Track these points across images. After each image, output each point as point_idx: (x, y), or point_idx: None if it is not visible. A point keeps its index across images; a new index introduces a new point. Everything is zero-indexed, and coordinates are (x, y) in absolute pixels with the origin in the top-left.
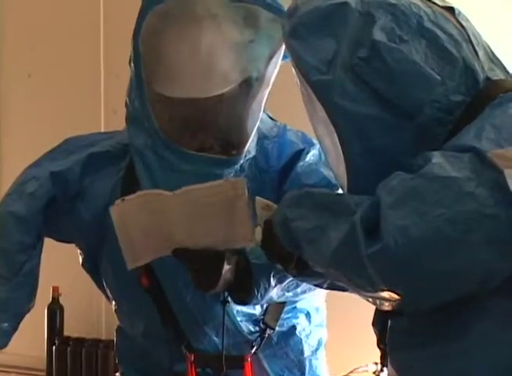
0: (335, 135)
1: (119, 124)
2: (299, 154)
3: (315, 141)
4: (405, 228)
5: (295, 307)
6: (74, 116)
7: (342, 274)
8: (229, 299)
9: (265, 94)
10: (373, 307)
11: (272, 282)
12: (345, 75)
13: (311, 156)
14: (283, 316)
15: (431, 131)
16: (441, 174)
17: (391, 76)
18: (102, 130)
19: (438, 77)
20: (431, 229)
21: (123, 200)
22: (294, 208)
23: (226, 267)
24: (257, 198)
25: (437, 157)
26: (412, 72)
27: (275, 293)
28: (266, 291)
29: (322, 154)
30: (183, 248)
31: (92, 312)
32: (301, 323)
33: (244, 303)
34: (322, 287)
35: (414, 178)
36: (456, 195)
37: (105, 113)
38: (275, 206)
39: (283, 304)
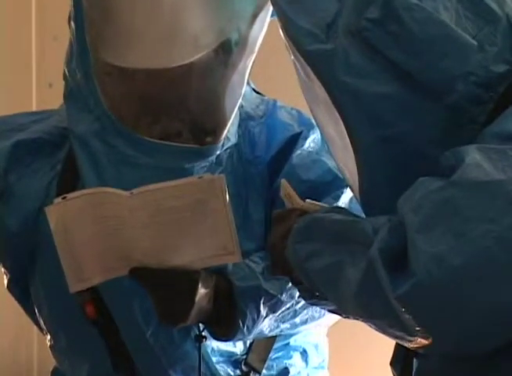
0: (340, 121)
1: (55, 100)
2: (295, 140)
3: (315, 122)
4: (440, 256)
5: (288, 344)
6: None
7: (371, 323)
8: (205, 334)
9: (248, 63)
10: (387, 342)
11: (263, 311)
12: (350, 43)
13: (311, 142)
14: (272, 355)
15: (466, 113)
16: (481, 178)
17: (410, 42)
18: (34, 108)
19: (474, 42)
20: (476, 253)
21: (64, 198)
22: (303, 244)
23: (202, 292)
24: (283, 181)
25: (472, 154)
26: (440, 36)
27: (266, 325)
28: (255, 322)
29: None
30: (143, 267)
31: (20, 349)
32: (295, 364)
33: (226, 339)
34: (340, 315)
35: (445, 187)
36: (504, 204)
37: (37, 86)
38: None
39: (272, 339)
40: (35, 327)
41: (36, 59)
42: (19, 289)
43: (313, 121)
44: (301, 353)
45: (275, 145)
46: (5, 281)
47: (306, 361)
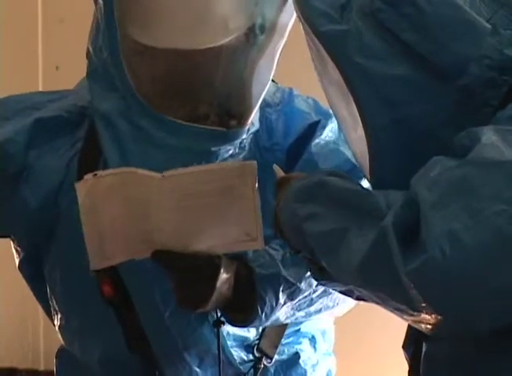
0: (352, 102)
1: (61, 82)
2: (313, 129)
3: (331, 111)
4: (454, 233)
5: (298, 330)
6: (5, 72)
7: (373, 294)
8: (223, 319)
9: (277, 48)
10: (395, 326)
11: (281, 298)
12: (364, 24)
13: (329, 131)
14: (283, 341)
15: (479, 96)
16: (497, 157)
17: (424, 25)
18: (40, 90)
19: (488, 25)
20: (489, 232)
21: (95, 175)
22: (305, 203)
23: (223, 278)
24: (276, 166)
25: (488, 135)
26: (454, 19)
27: (283, 312)
28: (273, 309)
29: None
30: (166, 251)
31: (27, 334)
32: (305, 350)
33: (243, 325)
34: (351, 297)
35: (461, 165)
36: None
37: (43, 69)
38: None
39: (284, 326)
40: (41, 313)
41: (42, 41)
42: (32, 269)
43: (329, 110)
44: (309, 339)
45: (294, 133)
46: (17, 261)
47: (314, 347)
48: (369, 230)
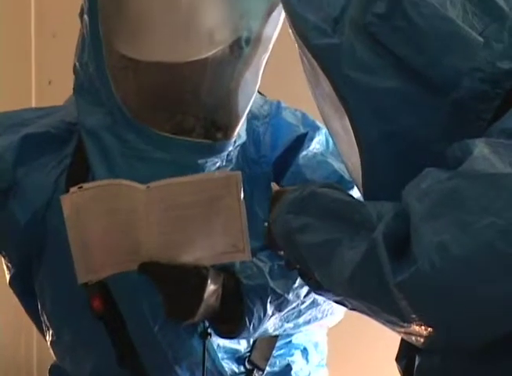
0: (345, 115)
1: (54, 97)
2: (301, 141)
3: (319, 124)
4: (443, 245)
5: (290, 341)
6: None
7: (364, 306)
8: (210, 331)
9: (262, 61)
10: (389, 338)
11: (269, 310)
12: (357, 38)
13: (317, 143)
14: (274, 352)
15: (472, 109)
16: (488, 170)
17: (417, 38)
18: (33, 105)
19: (481, 39)
20: (478, 245)
21: (80, 188)
22: (298, 215)
23: (210, 289)
24: (273, 184)
25: (480, 147)
26: (446, 32)
27: (271, 324)
28: (261, 321)
29: (330, 141)
30: (153, 263)
31: (20, 349)
32: (297, 361)
33: (231, 337)
34: (347, 307)
35: (452, 177)
36: (510, 198)
37: (36, 83)
38: None
39: (274, 338)
40: (34, 326)
41: (35, 56)
42: (23, 285)
43: (318, 123)
44: (301, 351)
45: (281, 145)
46: (7, 277)
47: (307, 359)
48: (360, 241)
